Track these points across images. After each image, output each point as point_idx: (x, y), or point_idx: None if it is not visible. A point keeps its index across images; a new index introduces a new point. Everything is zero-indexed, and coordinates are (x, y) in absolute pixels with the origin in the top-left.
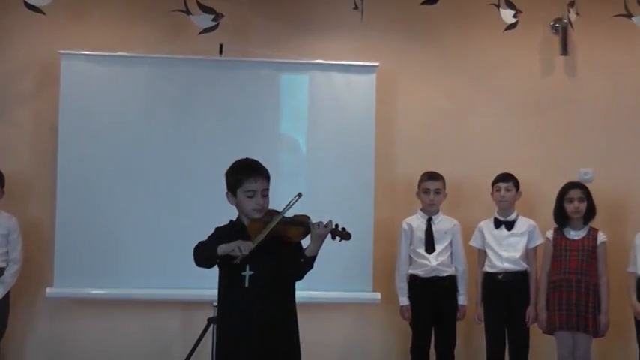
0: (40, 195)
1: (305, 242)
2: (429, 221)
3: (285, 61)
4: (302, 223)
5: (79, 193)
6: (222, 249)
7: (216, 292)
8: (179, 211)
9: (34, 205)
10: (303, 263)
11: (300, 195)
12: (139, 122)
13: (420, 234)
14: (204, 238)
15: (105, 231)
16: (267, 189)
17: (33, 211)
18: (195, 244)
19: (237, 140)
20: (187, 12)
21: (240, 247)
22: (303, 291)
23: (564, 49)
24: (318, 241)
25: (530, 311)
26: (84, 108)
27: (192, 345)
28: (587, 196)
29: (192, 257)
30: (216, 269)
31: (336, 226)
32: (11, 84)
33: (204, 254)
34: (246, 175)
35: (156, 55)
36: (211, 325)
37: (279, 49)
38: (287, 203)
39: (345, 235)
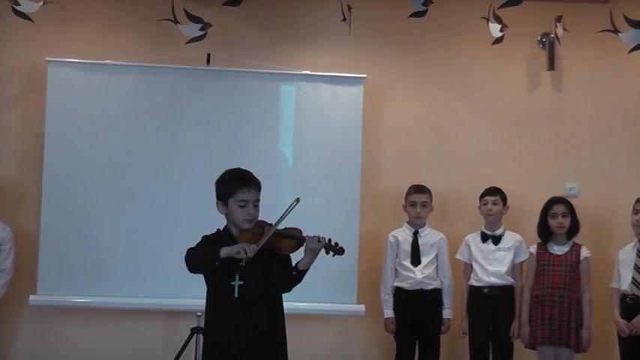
0: (25, 202)
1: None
2: (416, 234)
3: (272, 71)
4: (296, 237)
5: (64, 201)
6: (226, 251)
7: (200, 302)
8: (164, 220)
9: (18, 211)
10: (294, 276)
11: (298, 200)
12: (125, 130)
13: (406, 247)
14: (189, 247)
15: (89, 239)
16: (259, 199)
17: (17, 218)
18: (181, 252)
19: (223, 150)
20: (175, 21)
21: (245, 250)
22: (288, 302)
23: (551, 64)
24: (312, 256)
25: (514, 327)
26: (70, 115)
27: (175, 355)
28: (571, 211)
29: (176, 266)
30: (201, 279)
31: (329, 240)
32: None
33: (203, 258)
34: (239, 184)
35: (143, 64)
36: (195, 335)
37: (267, 60)
38: (285, 209)
39: (338, 250)
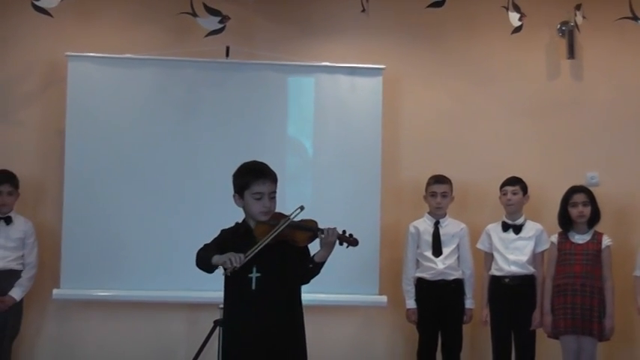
0: (47, 197)
1: (312, 247)
2: (437, 224)
3: (291, 63)
4: (310, 228)
5: (85, 195)
6: (216, 260)
7: (222, 294)
8: (185, 213)
9: (40, 207)
10: (311, 269)
11: (302, 208)
12: (144, 124)
13: (427, 237)
14: (210, 240)
15: (111, 233)
16: (275, 191)
17: (40, 213)
18: (202, 245)
19: (243, 142)
20: (194, 14)
21: (231, 260)
22: (310, 294)
23: (571, 53)
24: (328, 248)
25: (535, 316)
26: (90, 110)
27: (198, 347)
28: (592, 200)
29: None
30: (220, 271)
31: (344, 232)
32: (18, 86)
33: (201, 262)
34: (254, 177)
35: (162, 57)
36: (217, 328)
37: (286, 52)
38: (290, 214)
39: (352, 241)
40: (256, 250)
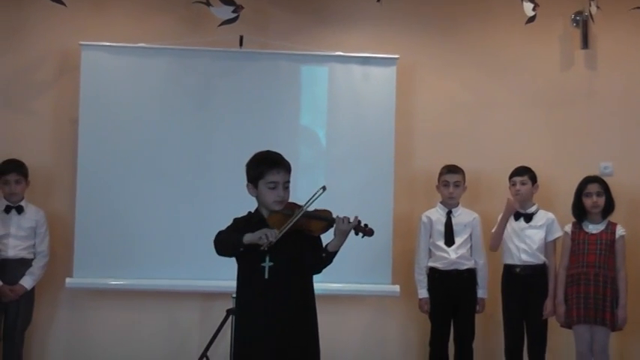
0: (60, 186)
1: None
2: (449, 214)
3: (305, 53)
4: (325, 218)
5: (98, 185)
6: (249, 238)
7: (235, 283)
8: (198, 203)
9: (53, 196)
10: (324, 258)
11: (324, 188)
12: (158, 113)
13: (440, 227)
14: (220, 230)
15: (124, 222)
16: (289, 181)
17: (53, 202)
18: (214, 234)
19: (257, 132)
20: (207, 4)
21: (267, 235)
22: (322, 283)
23: (585, 43)
24: (342, 238)
25: (547, 304)
26: (104, 98)
27: (210, 336)
28: (606, 190)
29: (211, 248)
30: (235, 261)
31: (359, 222)
32: (31, 75)
33: (227, 243)
34: (268, 166)
35: (176, 47)
36: (230, 317)
37: (299, 41)
38: (311, 196)
39: (368, 231)
40: (288, 227)
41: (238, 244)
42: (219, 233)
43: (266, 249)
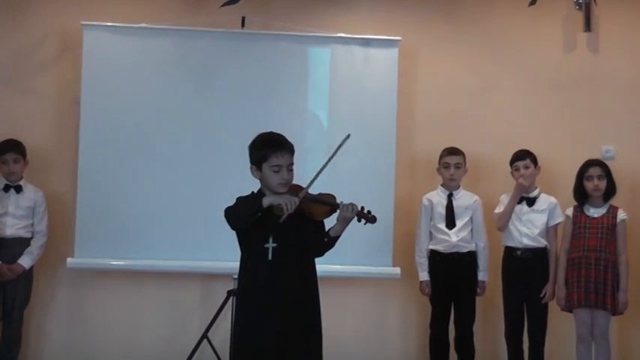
0: (61, 166)
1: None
2: (450, 197)
3: (307, 34)
4: (329, 203)
5: (100, 165)
6: (269, 200)
7: (236, 264)
8: (199, 184)
9: (55, 176)
10: (326, 243)
11: (348, 136)
12: (160, 93)
13: (441, 209)
14: (227, 206)
15: (126, 202)
16: (292, 163)
17: (54, 182)
18: (219, 216)
19: (258, 113)
20: None
21: (287, 204)
22: (323, 265)
23: (587, 25)
24: (345, 223)
25: (547, 288)
26: (106, 79)
27: (211, 317)
28: (607, 173)
29: (212, 229)
30: (236, 242)
31: (362, 208)
32: (33, 54)
33: (245, 210)
34: (272, 149)
35: (178, 27)
36: (231, 298)
37: (301, 23)
38: (335, 149)
39: (370, 218)
40: (304, 194)
41: (258, 208)
42: (229, 207)
43: (283, 220)
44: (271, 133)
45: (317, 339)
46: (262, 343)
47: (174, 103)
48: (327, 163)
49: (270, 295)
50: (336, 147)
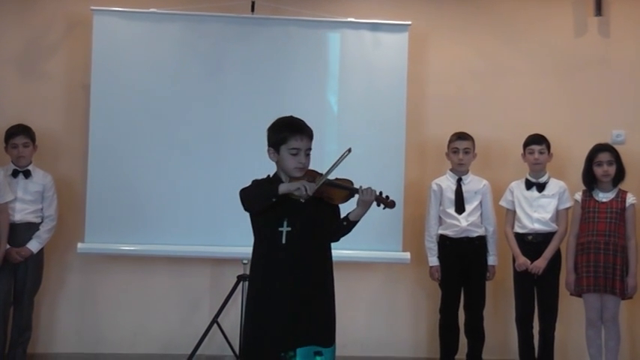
0: (72, 151)
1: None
2: (459, 181)
3: (317, 19)
4: (347, 187)
5: (110, 150)
6: (285, 188)
7: (246, 249)
8: (209, 169)
9: (65, 161)
10: (345, 227)
11: (349, 150)
12: (170, 78)
13: (450, 194)
14: (243, 187)
15: (136, 187)
16: (310, 148)
17: (64, 168)
18: (229, 201)
19: (268, 98)
20: None
21: (305, 187)
22: (333, 250)
23: (598, 10)
24: (365, 207)
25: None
26: (116, 64)
27: (221, 302)
28: (617, 158)
29: (223, 214)
30: (247, 226)
31: (381, 193)
32: (43, 39)
33: (260, 194)
34: (291, 132)
35: (188, 12)
36: (241, 283)
37: (311, 7)
38: (334, 162)
39: (389, 203)
40: (322, 182)
41: (273, 194)
42: (246, 188)
43: (303, 201)
44: (291, 117)
45: (330, 324)
46: (273, 327)
47: (184, 88)
48: (328, 172)
49: (282, 280)
50: (336, 159)
